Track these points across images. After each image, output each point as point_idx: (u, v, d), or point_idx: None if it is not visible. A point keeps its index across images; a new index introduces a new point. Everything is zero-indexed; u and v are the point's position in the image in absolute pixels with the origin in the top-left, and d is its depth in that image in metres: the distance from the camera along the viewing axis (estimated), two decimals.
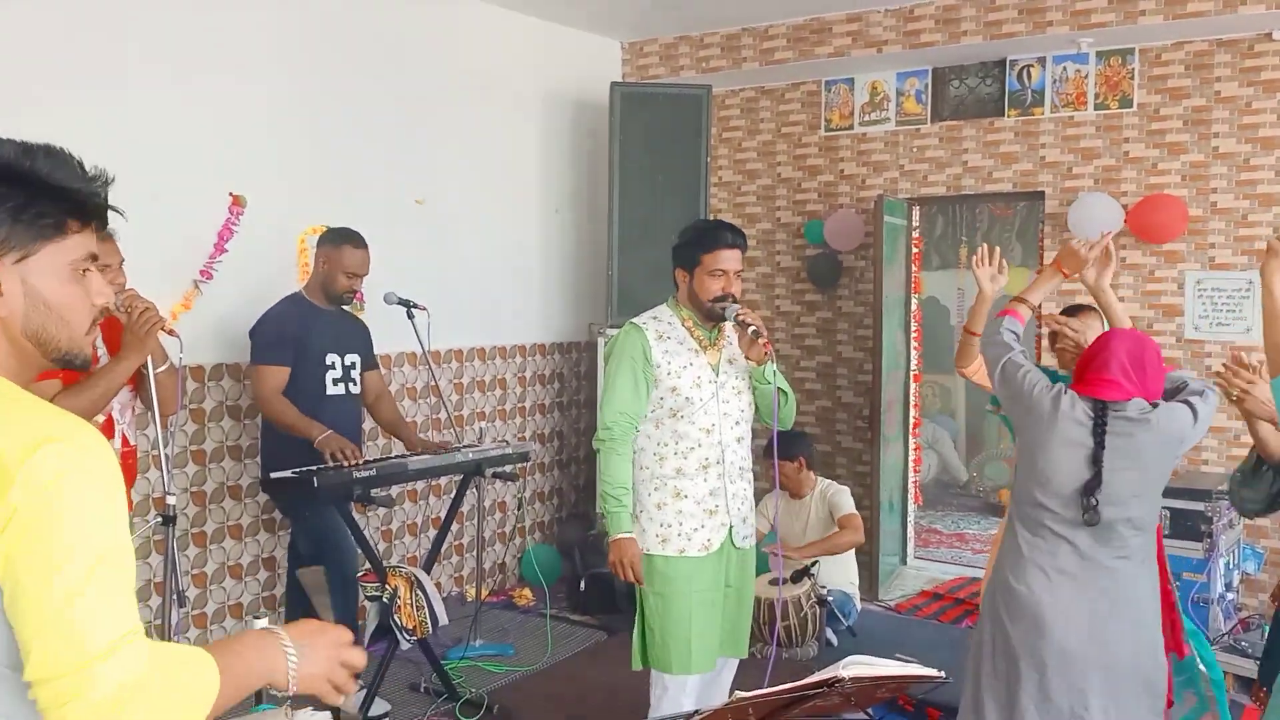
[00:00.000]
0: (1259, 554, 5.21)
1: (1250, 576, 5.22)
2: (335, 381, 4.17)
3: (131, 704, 1.19)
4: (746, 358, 3.20)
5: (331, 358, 4.16)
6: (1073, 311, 3.61)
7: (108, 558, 1.21)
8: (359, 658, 1.48)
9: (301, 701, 1.68)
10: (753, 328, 3.11)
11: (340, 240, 4.12)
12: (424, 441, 4.38)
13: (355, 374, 4.26)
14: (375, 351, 4.48)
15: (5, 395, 1.27)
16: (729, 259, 3.17)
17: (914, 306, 6.44)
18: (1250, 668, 4.11)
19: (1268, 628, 3.16)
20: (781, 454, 5.15)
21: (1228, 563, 4.92)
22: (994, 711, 2.75)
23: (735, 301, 3.19)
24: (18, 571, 1.17)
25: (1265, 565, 5.24)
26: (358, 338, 4.32)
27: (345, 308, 4.32)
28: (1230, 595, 4.99)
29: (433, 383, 5.09)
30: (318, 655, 1.43)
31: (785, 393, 3.31)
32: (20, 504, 1.17)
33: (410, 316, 4.44)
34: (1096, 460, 2.60)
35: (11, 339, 1.32)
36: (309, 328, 4.10)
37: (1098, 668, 2.64)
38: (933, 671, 2.11)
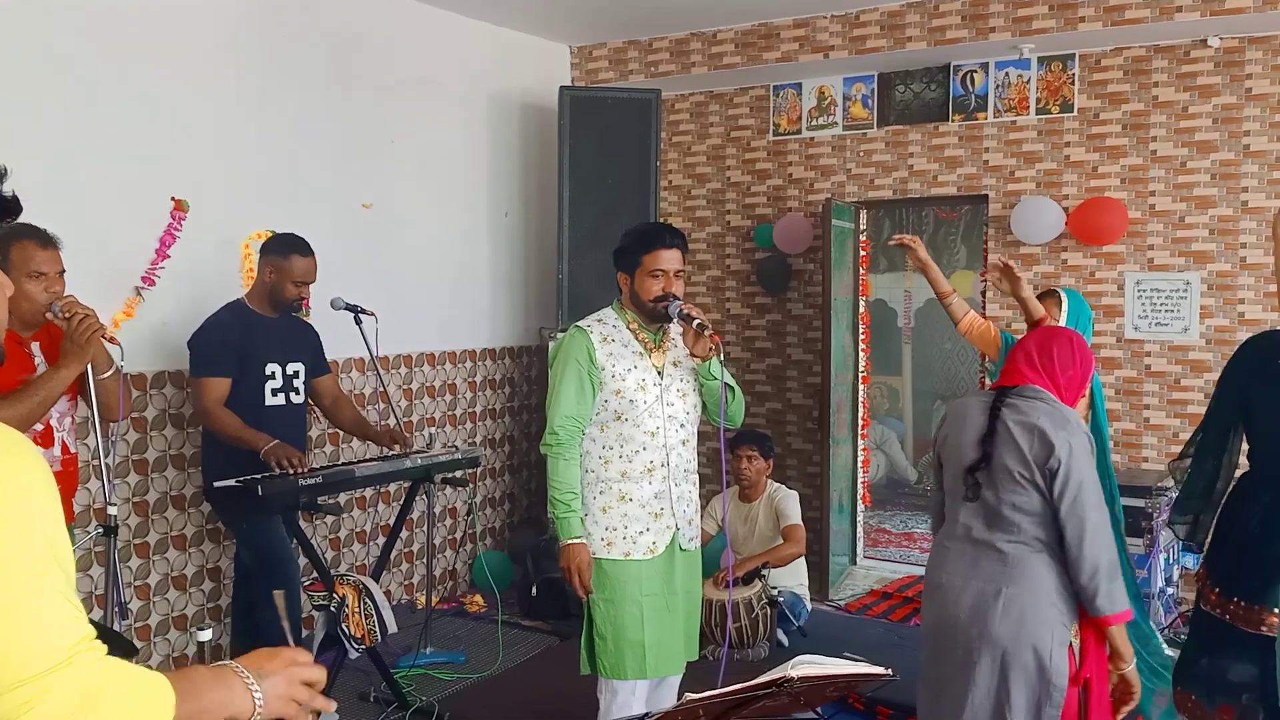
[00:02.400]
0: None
1: (1189, 571, 5.33)
2: (275, 391, 4.10)
3: (93, 710, 1.17)
4: (692, 354, 3.17)
5: (272, 367, 4.09)
6: (1041, 296, 3.74)
7: (53, 566, 1.19)
8: (318, 674, 1.46)
9: None
10: (697, 321, 3.10)
11: (287, 250, 4.05)
12: (391, 431, 4.31)
13: (298, 383, 4.19)
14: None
15: None
16: (668, 259, 3.18)
17: (862, 309, 6.50)
18: None
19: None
20: (761, 449, 5.20)
21: (1168, 558, 5.02)
22: (922, 698, 2.87)
23: (678, 298, 3.19)
24: None
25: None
26: (304, 345, 4.26)
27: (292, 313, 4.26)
28: (1170, 590, 5.10)
29: (381, 389, 5.04)
30: (277, 679, 1.41)
31: (732, 388, 3.31)
32: None
33: (358, 322, 4.39)
34: (986, 440, 2.70)
35: None
36: (250, 337, 4.03)
37: (983, 645, 2.67)
38: (880, 670, 2.13)
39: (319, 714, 1.50)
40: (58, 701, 1.15)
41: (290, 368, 4.15)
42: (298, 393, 4.19)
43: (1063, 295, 3.64)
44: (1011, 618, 2.65)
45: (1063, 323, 3.56)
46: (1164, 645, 3.96)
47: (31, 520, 1.20)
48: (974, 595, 2.70)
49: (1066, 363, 2.74)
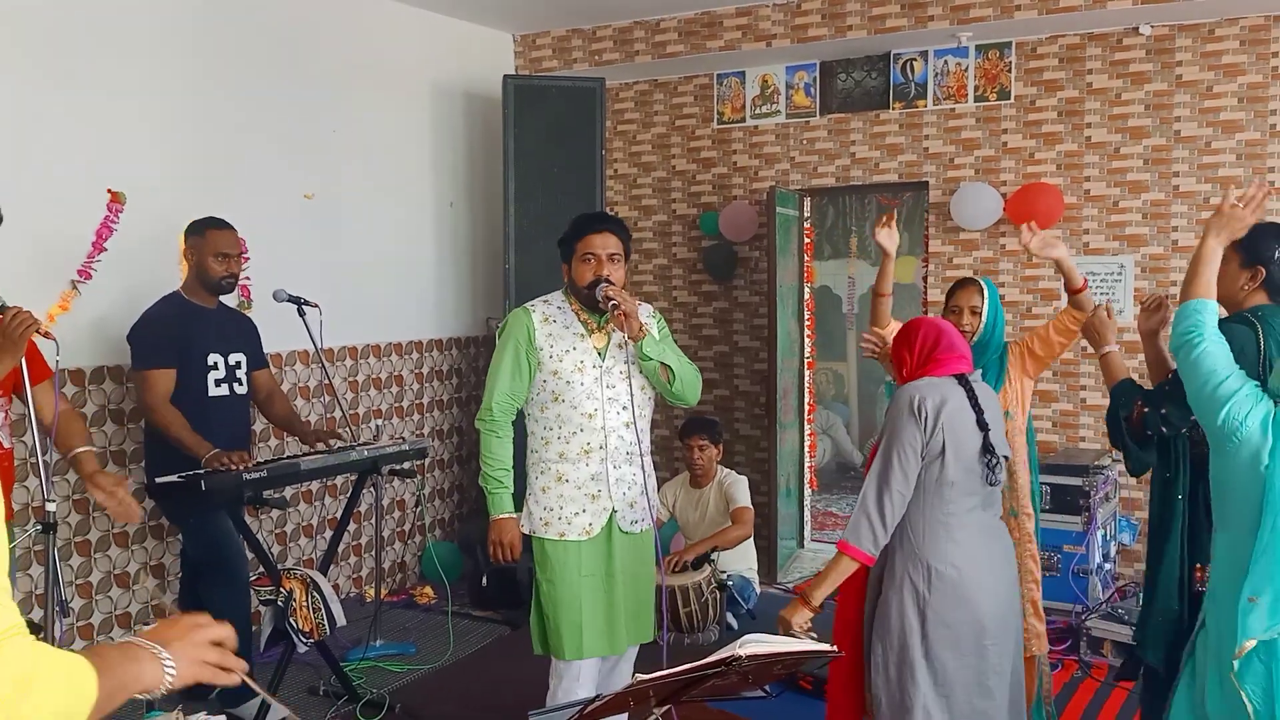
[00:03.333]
0: (1134, 525, 5.47)
1: (1126, 547, 5.47)
2: (218, 382, 4.06)
3: (24, 698, 1.18)
4: (631, 339, 3.19)
5: (214, 357, 4.05)
6: (960, 284, 3.73)
7: None
8: (223, 631, 1.47)
9: (193, 706, 1.67)
10: (613, 302, 3.12)
11: (201, 227, 4.04)
12: (318, 432, 4.29)
13: (240, 373, 4.15)
14: (265, 350, 4.38)
15: None
16: (598, 243, 3.21)
17: (807, 295, 6.57)
18: (1127, 634, 4.31)
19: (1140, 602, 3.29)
20: (710, 437, 5.23)
21: (1104, 534, 5.15)
22: (936, 704, 2.80)
23: (610, 282, 3.18)
24: None
25: (1139, 536, 5.50)
26: (243, 336, 4.22)
27: (231, 306, 4.22)
28: (1108, 565, 5.23)
29: (326, 381, 5.00)
30: (182, 644, 1.41)
31: (671, 370, 3.24)
32: None
33: (302, 314, 4.35)
34: (982, 425, 2.80)
35: None
36: (189, 327, 3.98)
37: (1016, 624, 2.93)
38: (826, 646, 2.17)
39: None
40: None
41: (232, 358, 4.11)
42: (240, 383, 4.15)
43: (983, 285, 3.69)
44: (1016, 587, 2.97)
45: (986, 310, 3.64)
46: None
47: None
48: (1005, 582, 2.88)
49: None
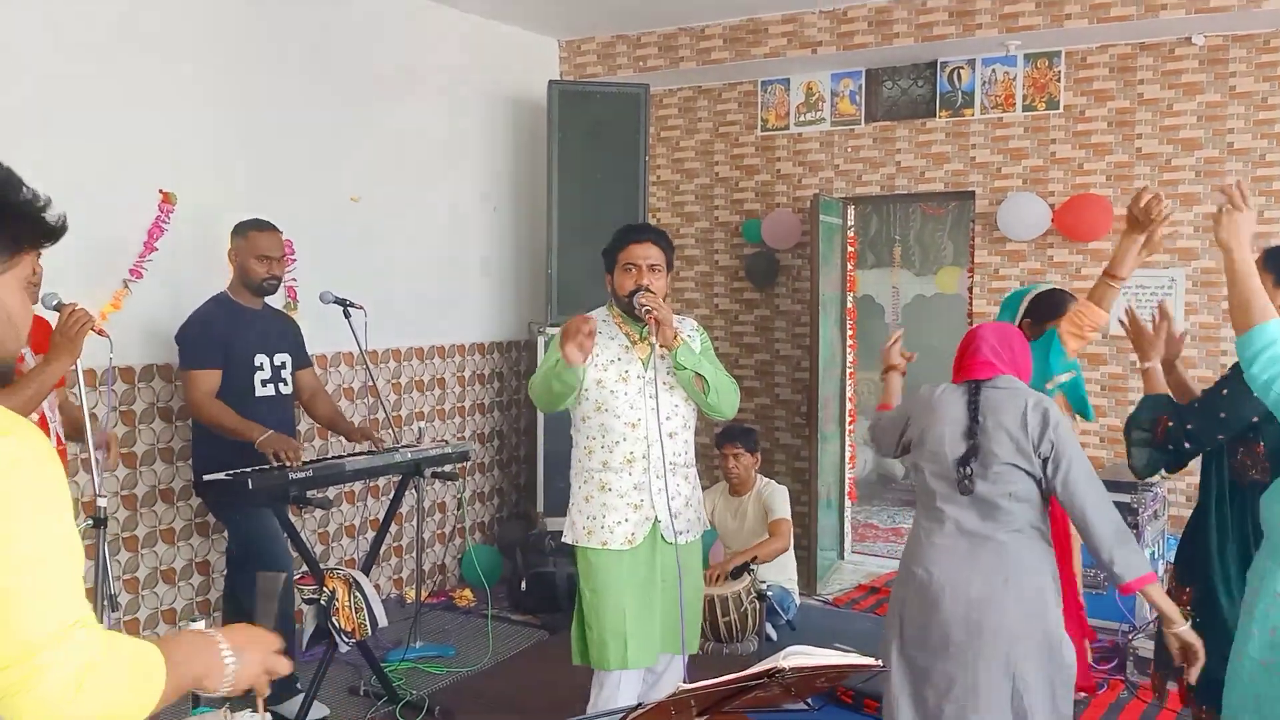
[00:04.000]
0: None
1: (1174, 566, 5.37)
2: (264, 382, 4.10)
3: (91, 686, 1.21)
4: (663, 346, 3.20)
5: (260, 358, 4.10)
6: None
7: (55, 547, 1.24)
8: (285, 666, 1.53)
9: (239, 704, 1.69)
10: (646, 307, 3.13)
11: (244, 229, 4.09)
12: (363, 430, 4.32)
13: (286, 374, 4.19)
14: (310, 351, 4.42)
15: None
16: (638, 253, 3.25)
17: (849, 304, 6.53)
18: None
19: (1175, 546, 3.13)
20: (745, 445, 5.20)
21: (1153, 553, 5.07)
22: (905, 702, 2.84)
23: (650, 290, 3.20)
24: None
25: None
26: (287, 337, 4.26)
27: (277, 307, 4.26)
28: None
29: (370, 383, 5.04)
30: (253, 658, 1.47)
31: (706, 381, 3.23)
32: None
33: (347, 316, 4.39)
34: (971, 433, 2.76)
35: None
36: (235, 328, 4.03)
37: (994, 638, 2.72)
38: (871, 660, 2.14)
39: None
40: (48, 681, 1.19)
41: (277, 358, 4.16)
42: (286, 383, 4.20)
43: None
44: (1022, 605, 2.72)
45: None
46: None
47: (53, 498, 1.26)
48: (978, 589, 2.73)
49: (1023, 353, 2.92)
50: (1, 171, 1.33)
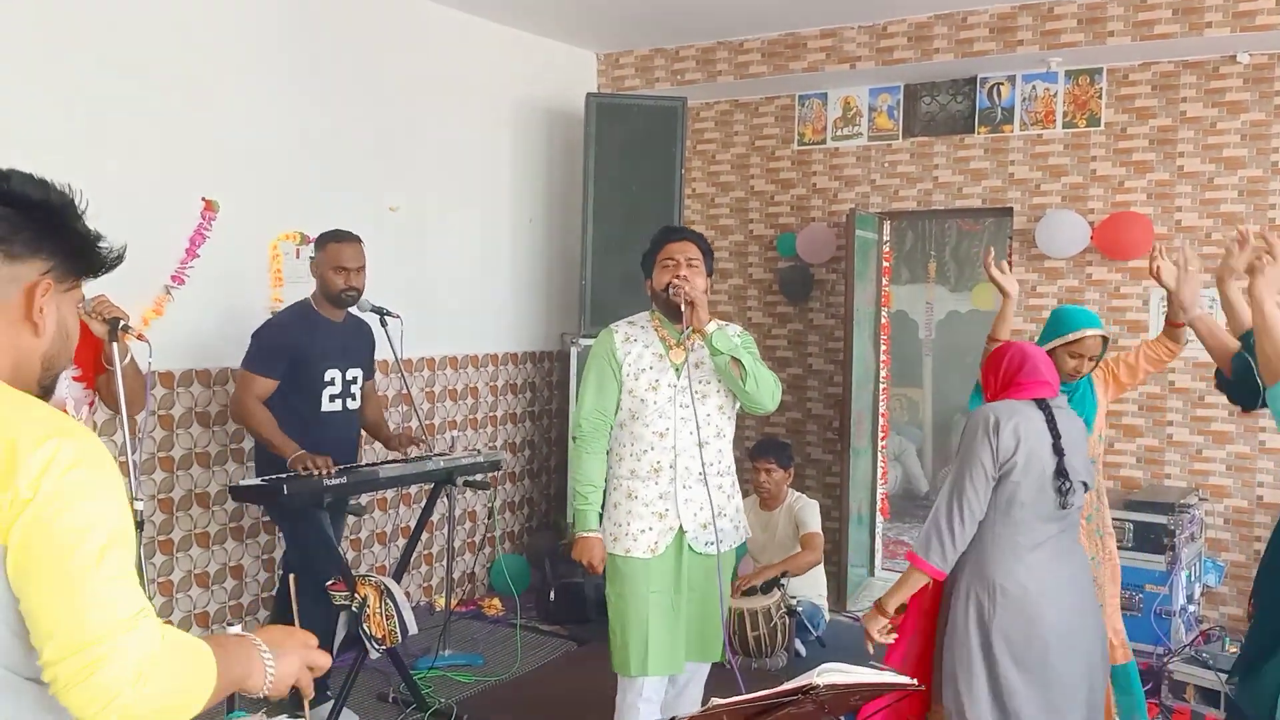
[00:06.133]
0: (1219, 566, 5.29)
1: (1211, 589, 5.30)
2: (332, 398, 4.08)
3: (151, 676, 1.24)
4: (695, 330, 3.20)
5: (332, 373, 4.07)
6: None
7: (119, 540, 1.28)
8: (324, 660, 1.55)
9: (276, 709, 1.70)
10: (677, 289, 3.16)
11: (324, 240, 4.09)
12: (400, 436, 4.30)
13: (355, 389, 4.17)
14: None
15: (11, 397, 1.35)
16: (676, 249, 3.28)
17: (883, 320, 6.50)
18: (1211, 679, 4.17)
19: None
20: (779, 461, 5.18)
21: (1189, 575, 4.99)
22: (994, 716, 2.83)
23: (682, 278, 3.21)
24: (34, 554, 1.23)
25: (1225, 578, 5.32)
26: (364, 351, 4.25)
27: (356, 313, 4.24)
28: (1191, 608, 5.06)
29: (405, 391, 5.07)
30: (291, 658, 1.49)
31: (745, 370, 3.17)
32: (34, 491, 1.23)
33: (384, 324, 4.41)
34: (1058, 449, 2.81)
35: (28, 360, 1.40)
36: (311, 339, 4.02)
37: (1095, 643, 2.91)
38: (906, 679, 2.13)
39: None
40: (120, 664, 1.22)
41: (350, 373, 4.14)
42: (354, 399, 4.17)
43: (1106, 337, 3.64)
44: (1098, 610, 3.01)
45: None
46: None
47: (114, 496, 1.30)
48: (1075, 604, 2.86)
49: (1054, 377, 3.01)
50: (65, 198, 1.39)
